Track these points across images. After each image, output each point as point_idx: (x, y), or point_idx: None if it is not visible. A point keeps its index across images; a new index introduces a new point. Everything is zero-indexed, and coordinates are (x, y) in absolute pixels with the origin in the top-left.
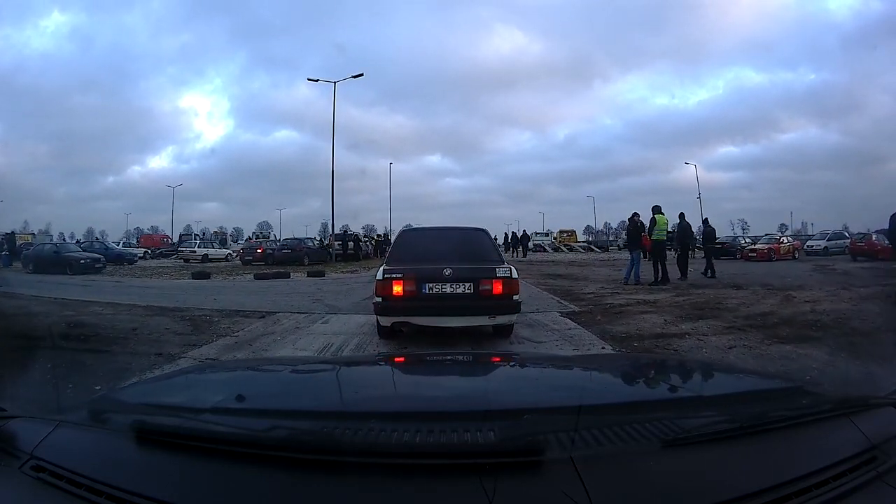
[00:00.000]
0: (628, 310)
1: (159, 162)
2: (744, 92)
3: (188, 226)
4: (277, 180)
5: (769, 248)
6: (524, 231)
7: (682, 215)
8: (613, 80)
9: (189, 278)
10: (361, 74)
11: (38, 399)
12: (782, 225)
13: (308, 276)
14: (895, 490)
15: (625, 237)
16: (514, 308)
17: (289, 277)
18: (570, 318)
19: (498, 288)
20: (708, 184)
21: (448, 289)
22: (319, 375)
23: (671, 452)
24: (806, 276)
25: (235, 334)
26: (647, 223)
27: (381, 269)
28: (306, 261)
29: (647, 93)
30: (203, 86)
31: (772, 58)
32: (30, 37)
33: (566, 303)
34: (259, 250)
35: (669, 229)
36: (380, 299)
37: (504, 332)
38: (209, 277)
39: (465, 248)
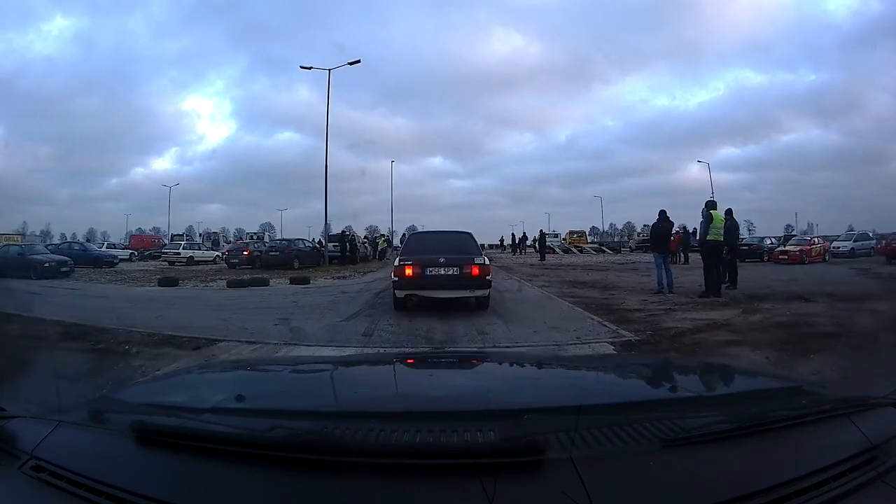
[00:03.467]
0: (703, 338)
1: (162, 163)
2: (744, 93)
3: (190, 226)
4: (280, 181)
5: (801, 250)
6: (541, 231)
7: (729, 211)
8: (613, 82)
9: (155, 285)
10: (358, 61)
11: None
12: (788, 226)
13: (290, 282)
14: (895, 490)
15: (636, 238)
16: (487, 285)
17: (266, 285)
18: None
19: (476, 271)
20: (709, 185)
21: (442, 271)
22: (319, 375)
23: (671, 452)
24: (861, 282)
25: (141, 379)
26: (653, 224)
27: (398, 258)
28: (296, 264)
29: (647, 94)
30: (204, 88)
31: (771, 58)
32: (32, 40)
33: (611, 325)
34: (245, 252)
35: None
36: (397, 278)
37: (482, 303)
38: (177, 285)
39: (454, 244)
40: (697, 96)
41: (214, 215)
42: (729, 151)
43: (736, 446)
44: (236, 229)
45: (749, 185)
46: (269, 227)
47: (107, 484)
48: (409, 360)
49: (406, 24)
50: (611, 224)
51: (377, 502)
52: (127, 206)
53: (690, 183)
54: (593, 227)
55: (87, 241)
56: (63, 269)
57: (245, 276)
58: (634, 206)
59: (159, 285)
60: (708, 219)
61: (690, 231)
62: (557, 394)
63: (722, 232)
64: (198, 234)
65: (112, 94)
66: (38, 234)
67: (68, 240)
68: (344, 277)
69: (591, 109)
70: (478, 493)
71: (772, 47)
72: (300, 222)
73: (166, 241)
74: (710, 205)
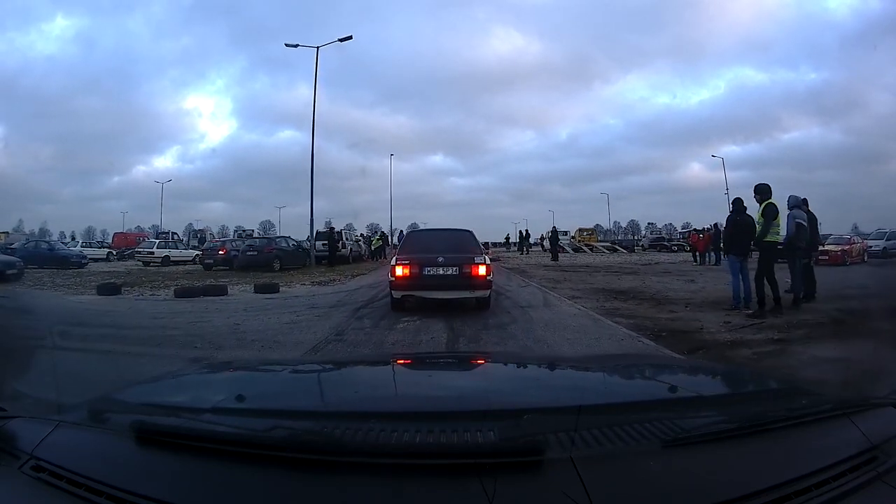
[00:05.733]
0: None
1: (164, 162)
2: (745, 91)
3: (189, 224)
4: (281, 179)
5: (843, 251)
6: (553, 228)
7: (804, 202)
8: (613, 81)
9: (93, 293)
10: (350, 37)
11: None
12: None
13: (255, 290)
14: (895, 490)
15: (649, 235)
16: (488, 286)
17: (223, 294)
18: None
19: (476, 271)
20: (711, 183)
21: (441, 271)
22: (319, 375)
23: (671, 452)
24: None
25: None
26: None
27: (395, 257)
28: (277, 265)
29: (648, 93)
30: (205, 87)
31: (771, 57)
32: (34, 40)
33: None
34: (221, 252)
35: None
36: (393, 279)
37: (483, 304)
38: (118, 293)
39: (454, 243)
40: (698, 94)
41: (216, 213)
42: (730, 149)
43: (736, 446)
44: (236, 226)
45: (751, 184)
46: (269, 224)
47: (107, 484)
48: (409, 361)
49: (406, 23)
50: (615, 222)
51: (377, 502)
52: (129, 204)
53: (692, 181)
54: (597, 224)
55: (72, 239)
56: (10, 272)
57: (201, 283)
58: (636, 204)
59: (98, 293)
60: (772, 214)
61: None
62: (557, 394)
63: (780, 228)
64: (173, 232)
65: (113, 93)
66: (25, 232)
67: (45, 239)
68: (324, 283)
69: (592, 108)
70: (478, 493)
71: (772, 45)
72: (301, 220)
73: (153, 240)
74: (767, 191)
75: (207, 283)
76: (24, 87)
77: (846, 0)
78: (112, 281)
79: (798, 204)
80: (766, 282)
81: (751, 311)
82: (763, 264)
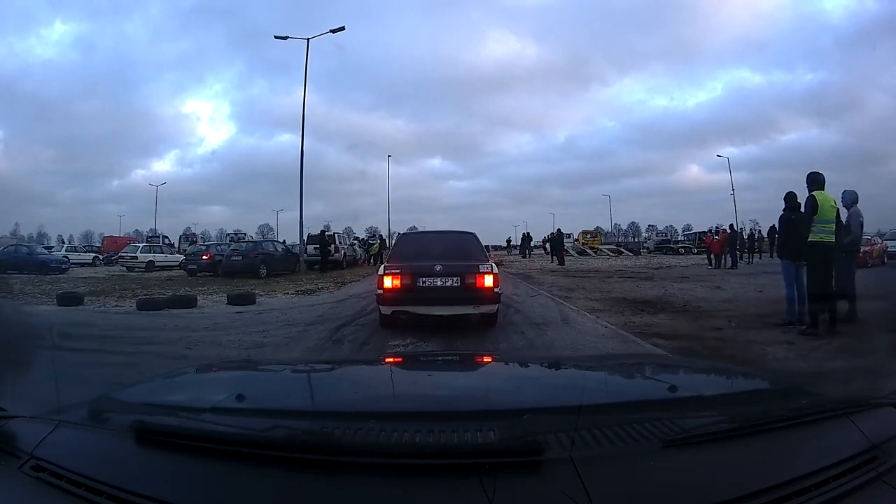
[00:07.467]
0: None
1: (163, 166)
2: (742, 93)
3: (188, 227)
4: (280, 183)
5: (865, 252)
6: (559, 230)
7: (855, 200)
8: (611, 83)
9: (53, 303)
10: (343, 28)
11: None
12: None
13: (228, 301)
14: (895, 490)
15: (655, 237)
16: (495, 299)
17: (192, 306)
18: None
19: (481, 282)
20: (710, 185)
21: (439, 282)
22: (319, 375)
23: (671, 452)
24: None
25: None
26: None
27: (383, 266)
28: (263, 271)
29: (645, 95)
30: (203, 91)
31: (768, 59)
32: (33, 45)
33: None
34: (205, 257)
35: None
36: (381, 291)
37: (489, 320)
38: (81, 303)
39: (455, 247)
40: (695, 97)
41: (215, 217)
42: (728, 151)
43: (736, 446)
44: (234, 230)
45: (751, 185)
46: (267, 228)
47: (107, 484)
48: (408, 361)
49: (402, 26)
50: (615, 224)
51: (377, 502)
52: (128, 207)
53: (691, 183)
54: (598, 226)
55: (62, 243)
56: None
57: (172, 292)
58: (635, 206)
59: (58, 303)
60: (810, 206)
61: (738, 230)
62: (557, 394)
63: (833, 226)
64: (163, 235)
65: (112, 97)
66: (22, 234)
67: (25, 243)
68: (310, 292)
69: (590, 110)
70: (478, 493)
71: (768, 47)
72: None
73: (137, 244)
74: (815, 181)
75: (181, 292)
76: (23, 91)
77: (842, 1)
78: (75, 290)
79: (855, 200)
80: (822, 292)
81: (808, 328)
82: (813, 270)
